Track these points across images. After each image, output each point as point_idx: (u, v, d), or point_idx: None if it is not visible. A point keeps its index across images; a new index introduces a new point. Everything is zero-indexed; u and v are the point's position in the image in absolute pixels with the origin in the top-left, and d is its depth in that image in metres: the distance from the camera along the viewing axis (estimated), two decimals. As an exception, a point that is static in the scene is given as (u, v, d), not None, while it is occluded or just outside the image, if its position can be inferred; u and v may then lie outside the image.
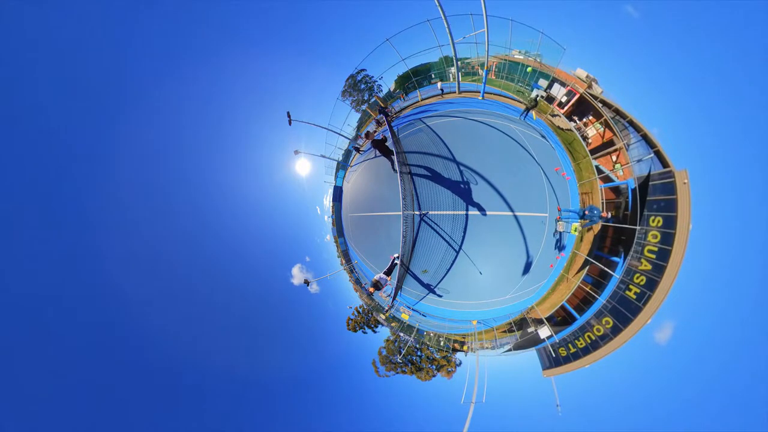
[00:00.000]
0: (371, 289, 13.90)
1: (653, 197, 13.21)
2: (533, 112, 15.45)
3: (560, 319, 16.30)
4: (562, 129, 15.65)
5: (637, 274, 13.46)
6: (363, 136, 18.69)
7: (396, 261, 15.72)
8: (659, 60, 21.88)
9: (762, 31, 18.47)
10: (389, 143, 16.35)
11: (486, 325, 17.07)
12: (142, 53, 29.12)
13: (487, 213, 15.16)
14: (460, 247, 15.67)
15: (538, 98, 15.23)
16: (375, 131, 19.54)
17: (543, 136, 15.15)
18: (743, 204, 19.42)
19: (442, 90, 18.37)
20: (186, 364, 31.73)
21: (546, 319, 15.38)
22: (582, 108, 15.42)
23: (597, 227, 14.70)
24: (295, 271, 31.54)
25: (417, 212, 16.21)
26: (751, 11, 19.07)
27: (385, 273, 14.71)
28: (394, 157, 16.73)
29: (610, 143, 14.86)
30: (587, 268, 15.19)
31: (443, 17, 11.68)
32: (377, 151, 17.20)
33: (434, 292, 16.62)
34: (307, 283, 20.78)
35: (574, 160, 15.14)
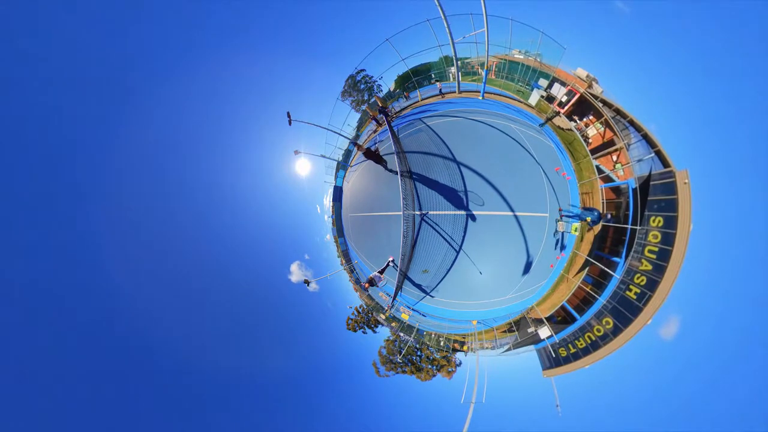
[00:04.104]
0: (366, 285, 14.43)
1: (654, 197, 13.18)
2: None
3: (560, 320, 16.28)
4: (562, 129, 15.63)
5: (638, 275, 13.43)
6: (355, 146, 18.81)
7: (390, 263, 15.94)
8: (658, 59, 21.82)
9: (762, 27, 18.41)
10: (382, 152, 16.43)
11: (486, 325, 17.06)
12: (141, 53, 29.13)
13: (487, 213, 15.16)
14: (461, 247, 15.67)
15: (558, 113, 15.23)
16: (365, 141, 19.76)
17: (558, 148, 15.14)
18: (744, 204, 19.36)
19: (440, 90, 18.40)
20: (182, 363, 31.74)
21: (546, 319, 15.37)
22: (582, 108, 15.39)
23: (597, 227, 14.68)
24: (294, 268, 31.49)
25: (417, 212, 16.22)
26: (751, 7, 19.01)
27: (379, 272, 15.29)
28: (386, 163, 16.83)
29: (611, 143, 14.83)
30: (587, 268, 15.17)
31: (443, 17, 11.66)
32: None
33: (431, 293, 16.62)
34: (307, 282, 20.77)
35: (575, 159, 15.12)
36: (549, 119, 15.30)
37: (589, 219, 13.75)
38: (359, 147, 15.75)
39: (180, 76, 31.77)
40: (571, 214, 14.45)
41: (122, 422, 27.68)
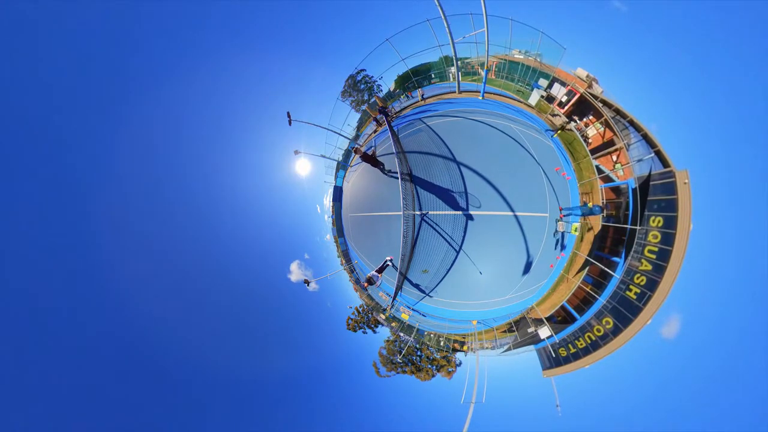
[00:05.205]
0: (366, 284, 14.38)
1: (654, 197, 13.19)
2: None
3: (560, 319, 16.29)
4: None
5: (638, 275, 13.44)
6: (352, 150, 18.83)
7: (388, 263, 16.03)
8: (658, 59, 21.83)
9: (762, 26, 18.41)
10: (378, 155, 16.45)
11: (486, 325, 17.07)
12: (141, 53, 29.13)
13: (488, 213, 15.15)
14: (461, 247, 15.67)
15: (569, 122, 15.18)
16: (362, 145, 19.81)
17: (558, 148, 15.09)
18: (744, 204, 19.38)
19: (422, 96, 18.73)
20: (181, 363, 31.73)
21: (546, 319, 15.37)
22: (582, 108, 15.40)
23: (597, 227, 14.69)
24: (294, 267, 31.53)
25: (417, 212, 16.22)
26: (750, 6, 19.01)
27: (377, 271, 15.27)
28: (383, 166, 16.87)
29: (611, 143, 14.84)
30: (587, 268, 15.17)
31: (443, 17, 11.67)
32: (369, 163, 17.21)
33: (431, 293, 16.61)
34: (307, 282, 20.75)
35: (575, 159, 15.12)
36: (561, 129, 15.16)
37: (591, 205, 13.79)
38: (356, 150, 15.72)
39: (180, 76, 31.79)
40: (571, 212, 14.46)
41: (121, 422, 27.68)
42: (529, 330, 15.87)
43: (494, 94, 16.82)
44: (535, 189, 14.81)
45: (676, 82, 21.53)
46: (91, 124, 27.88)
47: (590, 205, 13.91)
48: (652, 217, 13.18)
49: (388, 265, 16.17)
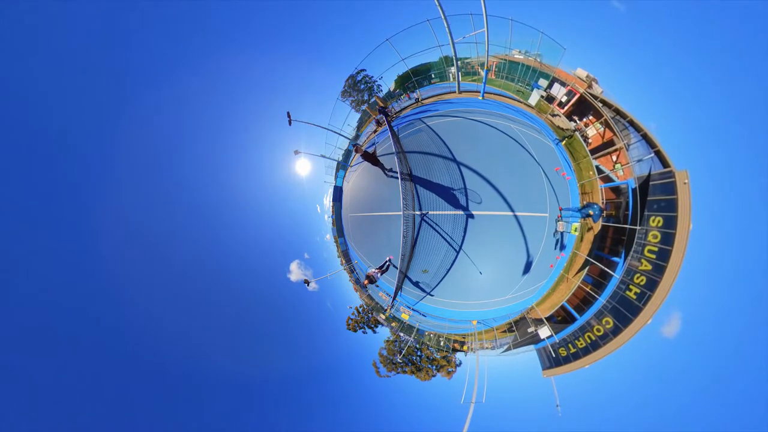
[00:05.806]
0: (366, 282, 14.29)
1: (653, 197, 13.19)
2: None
3: (560, 319, 16.29)
4: (562, 129, 15.64)
5: (638, 275, 13.44)
6: (352, 149, 18.81)
7: (388, 263, 16.07)
8: (657, 58, 21.83)
9: (762, 26, 18.41)
10: (378, 155, 16.40)
11: (486, 325, 17.07)
12: (141, 53, 29.14)
13: (487, 213, 15.16)
14: (461, 247, 15.67)
15: (575, 131, 15.16)
16: (363, 144, 19.81)
17: (567, 161, 15.07)
18: (744, 204, 19.39)
19: (418, 98, 18.79)
20: (181, 363, 31.73)
21: (546, 319, 15.37)
22: (582, 108, 15.41)
23: (597, 227, 14.69)
24: (294, 267, 31.58)
25: (417, 212, 16.22)
26: (750, 5, 19.00)
27: (377, 269, 15.24)
28: (384, 165, 16.84)
29: (611, 143, 14.85)
30: (587, 268, 15.18)
31: (443, 17, 11.67)
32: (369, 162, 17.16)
33: (431, 293, 16.61)
34: (307, 282, 20.75)
35: (575, 159, 15.13)
36: (568, 137, 15.12)
37: (591, 212, 13.76)
38: (357, 149, 15.72)
39: (180, 76, 31.81)
40: (571, 213, 14.47)
41: (121, 422, 27.69)
42: (529, 330, 15.87)
43: (494, 94, 16.83)
44: (535, 189, 14.81)
45: (676, 82, 21.54)
46: (91, 123, 27.90)
47: (590, 212, 13.87)
48: (652, 217, 13.19)
49: (388, 265, 16.17)
